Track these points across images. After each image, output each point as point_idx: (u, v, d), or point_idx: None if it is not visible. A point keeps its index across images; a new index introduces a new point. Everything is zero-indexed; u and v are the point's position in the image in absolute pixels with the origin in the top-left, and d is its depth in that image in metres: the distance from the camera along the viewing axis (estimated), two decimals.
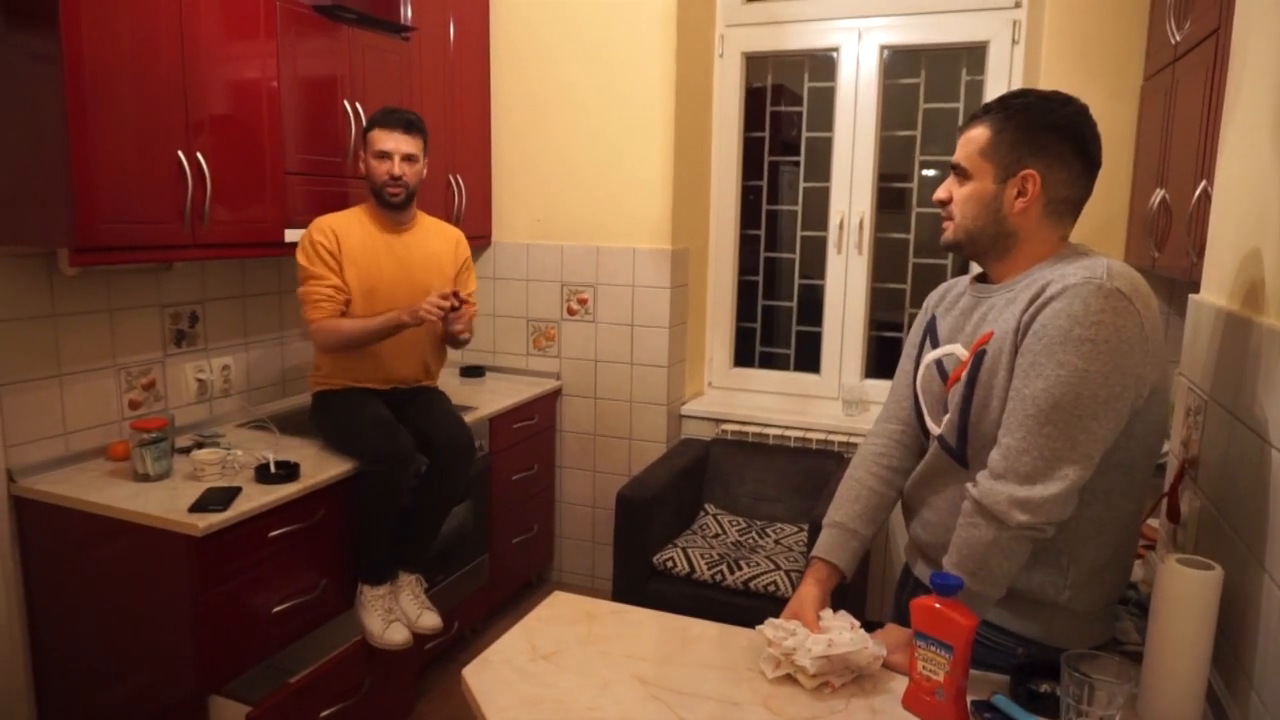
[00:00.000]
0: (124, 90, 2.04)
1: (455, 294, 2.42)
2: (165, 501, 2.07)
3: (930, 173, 3.39)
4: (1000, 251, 1.38)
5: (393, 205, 2.52)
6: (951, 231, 1.41)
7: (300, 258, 2.47)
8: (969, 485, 1.30)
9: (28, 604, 2.23)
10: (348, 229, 2.51)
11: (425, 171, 2.59)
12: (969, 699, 1.23)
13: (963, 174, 1.38)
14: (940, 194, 1.42)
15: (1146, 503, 1.42)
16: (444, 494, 2.57)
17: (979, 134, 1.36)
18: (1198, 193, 1.84)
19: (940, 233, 1.44)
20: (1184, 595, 1.17)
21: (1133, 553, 1.41)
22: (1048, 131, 1.31)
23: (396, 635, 2.34)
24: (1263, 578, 1.15)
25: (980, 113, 1.37)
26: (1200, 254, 1.67)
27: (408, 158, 2.49)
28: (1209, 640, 1.17)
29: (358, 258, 2.50)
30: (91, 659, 2.18)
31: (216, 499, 2.06)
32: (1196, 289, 1.60)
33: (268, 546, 2.16)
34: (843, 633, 1.33)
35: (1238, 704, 1.18)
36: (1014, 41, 3.09)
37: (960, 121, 3.27)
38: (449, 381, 2.64)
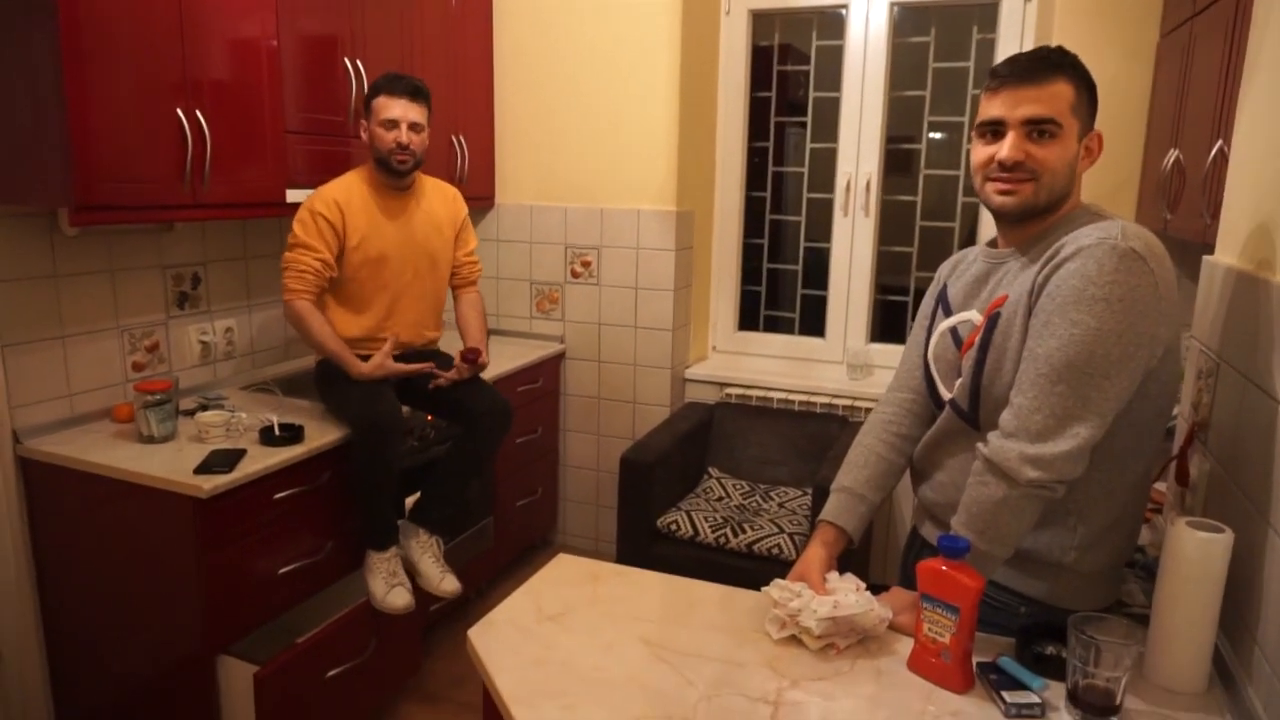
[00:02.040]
0: (120, 47, 2.01)
1: (473, 352, 2.54)
2: (170, 463, 2.07)
3: (938, 135, 3.34)
4: (1048, 213, 1.33)
5: (399, 173, 2.48)
6: (1034, 193, 1.29)
7: (296, 226, 2.40)
8: (979, 445, 1.30)
9: (36, 565, 2.24)
10: (349, 199, 2.45)
11: (428, 141, 2.54)
12: (975, 661, 1.23)
13: (1052, 130, 1.27)
14: (1013, 154, 1.28)
15: (1155, 466, 1.41)
16: (479, 458, 2.58)
17: (1063, 89, 1.27)
18: (1213, 153, 1.81)
19: (1008, 195, 1.31)
20: (1194, 558, 1.17)
21: (1140, 515, 1.40)
22: (1094, 91, 1.31)
23: (398, 600, 2.35)
24: (1268, 534, 1.14)
25: (1052, 67, 1.28)
26: (1215, 215, 1.65)
27: (414, 126, 2.43)
28: (1217, 602, 1.17)
29: (362, 226, 2.45)
30: (101, 619, 2.19)
31: (221, 461, 2.06)
32: (1209, 250, 1.57)
33: (273, 508, 2.17)
34: (848, 595, 1.33)
35: (1242, 662, 1.18)
36: None
37: (973, 81, 3.22)
38: (453, 345, 2.63)
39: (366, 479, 2.33)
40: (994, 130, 1.32)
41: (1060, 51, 1.30)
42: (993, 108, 1.31)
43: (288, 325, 3.01)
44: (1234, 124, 1.51)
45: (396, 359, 2.49)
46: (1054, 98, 1.27)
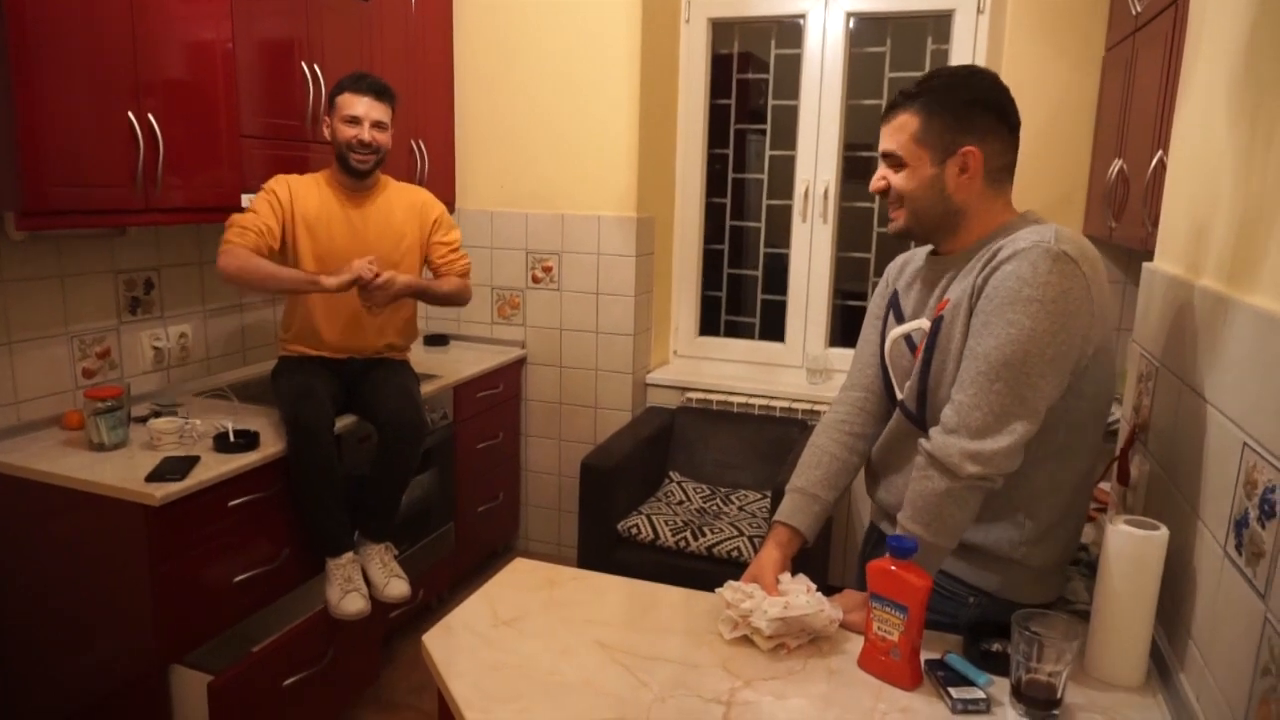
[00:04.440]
0: (71, 49, 1.98)
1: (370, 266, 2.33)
2: (121, 471, 2.04)
3: None
4: (950, 229, 1.41)
5: (358, 173, 2.47)
6: (902, 220, 1.43)
7: (251, 199, 2.43)
8: (922, 440, 1.34)
9: None
10: (306, 193, 2.46)
11: (390, 143, 2.52)
12: (923, 658, 1.26)
13: (897, 161, 1.40)
14: (877, 184, 1.44)
15: (1099, 466, 1.45)
16: (392, 469, 2.50)
17: (908, 121, 1.37)
18: (1154, 163, 1.87)
19: (891, 222, 1.46)
20: (1131, 555, 1.20)
21: (1084, 512, 1.44)
22: (973, 107, 1.35)
23: (350, 605, 2.32)
24: (1198, 526, 1.18)
25: (902, 100, 1.39)
26: (1155, 223, 1.70)
27: (377, 124, 2.43)
28: (1153, 598, 1.21)
29: (312, 223, 2.45)
30: (50, 630, 2.15)
31: (174, 468, 2.03)
32: (1151, 258, 1.62)
33: (227, 516, 2.14)
34: (799, 595, 1.35)
35: (1178, 655, 1.22)
36: (979, 11, 3.09)
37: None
38: (413, 350, 2.62)
39: (301, 481, 2.31)
40: None
41: (923, 80, 1.39)
42: None
43: (244, 330, 2.99)
44: (1171, 135, 1.57)
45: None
46: (897, 131, 1.39)
